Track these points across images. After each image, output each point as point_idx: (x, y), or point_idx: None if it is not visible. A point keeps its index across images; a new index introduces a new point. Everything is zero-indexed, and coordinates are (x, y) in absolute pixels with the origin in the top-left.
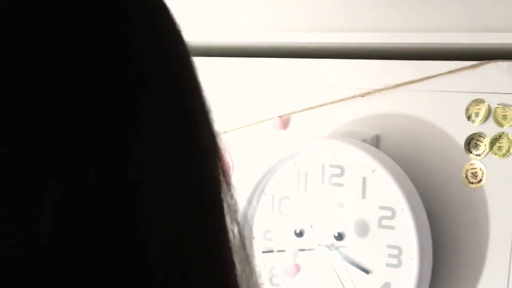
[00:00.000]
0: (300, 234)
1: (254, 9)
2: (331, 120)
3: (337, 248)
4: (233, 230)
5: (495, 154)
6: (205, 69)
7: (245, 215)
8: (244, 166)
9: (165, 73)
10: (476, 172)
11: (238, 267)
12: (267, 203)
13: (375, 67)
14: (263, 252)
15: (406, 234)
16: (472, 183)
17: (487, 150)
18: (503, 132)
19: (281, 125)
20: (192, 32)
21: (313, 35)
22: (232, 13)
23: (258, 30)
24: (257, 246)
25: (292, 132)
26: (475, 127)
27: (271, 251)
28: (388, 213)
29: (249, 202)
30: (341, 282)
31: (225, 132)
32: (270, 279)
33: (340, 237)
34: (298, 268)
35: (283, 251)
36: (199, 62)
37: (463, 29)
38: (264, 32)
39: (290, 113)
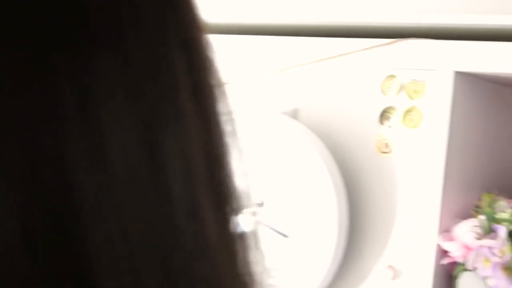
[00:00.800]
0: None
1: None
2: (251, 94)
3: (258, 215)
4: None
5: (406, 125)
6: None
7: None
8: None
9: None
10: (388, 142)
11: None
12: None
13: (294, 44)
14: None
15: (324, 201)
16: (384, 152)
17: (399, 122)
18: (414, 106)
19: None
20: None
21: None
22: None
23: None
24: None
25: None
26: (388, 100)
27: None
28: (307, 181)
29: None
30: (263, 247)
31: None
32: None
33: (261, 204)
34: None
35: None
36: None
37: (378, 9)
38: None
39: None
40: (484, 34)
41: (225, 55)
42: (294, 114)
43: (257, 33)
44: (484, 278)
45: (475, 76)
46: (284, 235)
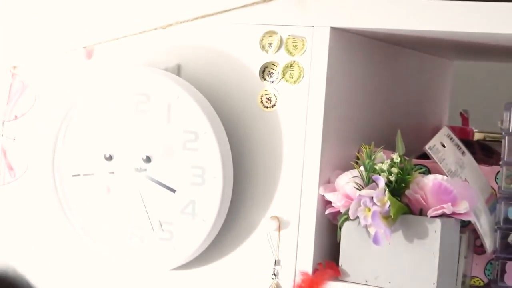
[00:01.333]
0: (109, 158)
1: None
2: (134, 52)
3: (145, 170)
4: None
5: (287, 81)
6: None
7: (54, 143)
8: (52, 95)
9: None
10: (270, 97)
11: None
12: (75, 131)
13: (175, 0)
14: (73, 176)
15: (209, 155)
16: (266, 107)
17: (280, 77)
18: (294, 61)
19: (86, 55)
20: None
21: None
22: None
23: None
24: (67, 170)
25: (97, 63)
26: (268, 56)
27: (81, 175)
28: (192, 136)
29: (58, 130)
30: (150, 201)
31: (29, 63)
32: (80, 201)
33: (147, 159)
34: (109, 190)
35: (92, 174)
36: None
37: None
38: None
39: (94, 44)
40: None
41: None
42: (177, 70)
43: None
44: (366, 226)
45: (351, 31)
46: (172, 190)
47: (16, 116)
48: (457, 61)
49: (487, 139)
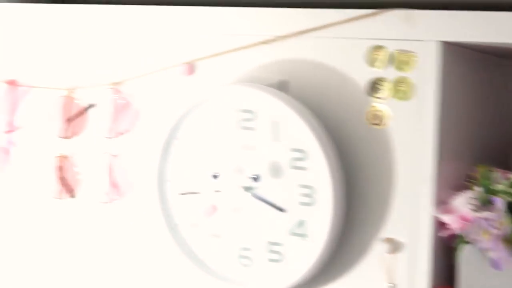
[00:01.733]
0: (215, 176)
1: None
2: (236, 67)
3: (252, 189)
4: None
5: (396, 97)
6: (113, 16)
7: (160, 160)
8: (154, 112)
9: None
10: (378, 114)
11: None
12: (181, 148)
13: (278, 15)
14: (180, 194)
15: (318, 174)
16: (375, 124)
17: (389, 93)
18: (403, 77)
19: (187, 71)
20: None
21: None
22: None
23: None
24: (173, 189)
25: (199, 79)
26: (376, 72)
27: (188, 193)
28: (300, 154)
29: (163, 147)
30: (258, 221)
31: (131, 79)
32: (186, 219)
33: (255, 178)
34: (215, 209)
35: (199, 193)
36: (104, 9)
37: None
38: None
39: (196, 60)
40: (470, 4)
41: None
42: (283, 86)
43: (242, 4)
44: (485, 250)
45: (462, 45)
46: (281, 209)
47: (120, 133)
48: None
49: None
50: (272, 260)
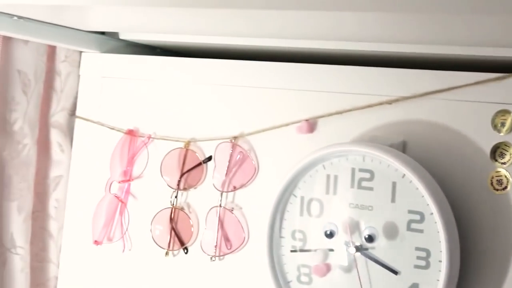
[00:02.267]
0: (330, 235)
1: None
2: (357, 126)
3: (367, 250)
4: None
5: None
6: (232, 71)
7: (274, 216)
8: (271, 168)
9: None
10: (501, 179)
11: None
12: (296, 205)
13: (403, 76)
14: (291, 251)
15: (435, 237)
16: (497, 189)
17: None
18: None
19: (307, 129)
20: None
21: (343, 43)
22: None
23: (287, 36)
24: (286, 245)
25: (319, 136)
26: (501, 136)
27: (299, 251)
28: (417, 217)
29: (278, 203)
30: (370, 282)
31: (251, 134)
32: (298, 277)
33: (370, 239)
34: (328, 268)
35: (311, 250)
36: (225, 64)
37: (487, 43)
38: (292, 39)
39: (317, 117)
40: None
41: (338, 85)
42: (403, 147)
43: (365, 64)
44: None
45: None
46: (395, 272)
47: (234, 187)
48: None
49: None
50: None
